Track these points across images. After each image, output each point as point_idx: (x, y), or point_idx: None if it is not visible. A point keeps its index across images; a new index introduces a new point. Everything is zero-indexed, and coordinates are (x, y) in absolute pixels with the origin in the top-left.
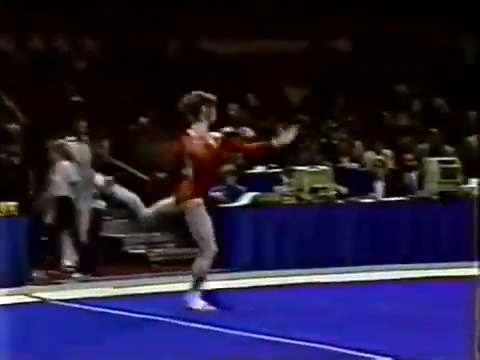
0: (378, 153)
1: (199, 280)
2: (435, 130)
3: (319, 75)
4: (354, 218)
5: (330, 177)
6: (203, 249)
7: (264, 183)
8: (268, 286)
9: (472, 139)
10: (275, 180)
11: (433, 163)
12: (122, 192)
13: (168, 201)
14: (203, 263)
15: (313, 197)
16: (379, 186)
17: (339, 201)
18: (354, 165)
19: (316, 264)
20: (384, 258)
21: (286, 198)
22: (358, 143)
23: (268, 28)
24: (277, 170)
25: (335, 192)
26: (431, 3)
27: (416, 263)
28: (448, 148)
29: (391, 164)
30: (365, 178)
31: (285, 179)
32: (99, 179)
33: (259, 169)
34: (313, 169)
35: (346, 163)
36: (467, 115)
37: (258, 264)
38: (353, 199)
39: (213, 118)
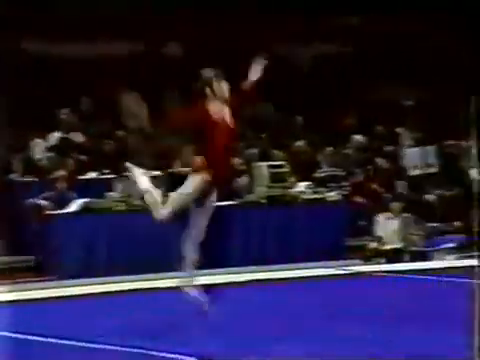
0: None
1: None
2: (263, 135)
3: (151, 79)
4: (183, 222)
5: (161, 182)
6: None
7: (96, 189)
8: (100, 293)
9: (300, 143)
10: (107, 186)
11: (262, 167)
12: (146, 186)
13: (179, 192)
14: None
15: (144, 203)
16: None
17: None
18: (186, 170)
19: (148, 269)
20: (212, 261)
21: (117, 204)
22: (188, 148)
23: (103, 31)
24: (109, 176)
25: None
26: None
27: (245, 266)
28: (277, 153)
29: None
30: None
31: (117, 185)
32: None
33: (91, 175)
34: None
35: (178, 168)
36: (294, 120)
37: (88, 271)
38: None
39: (226, 94)
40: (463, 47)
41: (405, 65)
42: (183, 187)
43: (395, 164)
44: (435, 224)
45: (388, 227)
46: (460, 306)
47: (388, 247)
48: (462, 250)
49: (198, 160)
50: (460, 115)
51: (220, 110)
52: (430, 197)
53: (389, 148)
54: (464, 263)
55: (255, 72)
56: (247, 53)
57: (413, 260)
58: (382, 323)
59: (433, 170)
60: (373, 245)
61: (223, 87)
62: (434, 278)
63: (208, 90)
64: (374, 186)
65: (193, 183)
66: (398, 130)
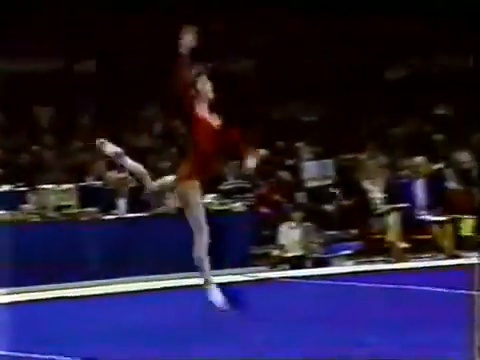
0: (121, 172)
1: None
2: (174, 150)
3: (65, 95)
4: (99, 234)
5: (74, 195)
6: (195, 231)
7: (10, 202)
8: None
9: None
10: (21, 199)
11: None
12: (130, 163)
13: (172, 177)
14: (200, 245)
15: (58, 215)
16: (122, 203)
17: (83, 218)
18: (98, 183)
19: (63, 280)
20: (129, 271)
21: (31, 216)
22: (101, 162)
23: (18, 47)
24: (23, 189)
25: (79, 210)
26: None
27: (160, 274)
28: None
29: (134, 182)
30: (108, 195)
31: (31, 198)
32: (110, 149)
33: (4, 188)
34: (58, 188)
35: (90, 182)
36: None
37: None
38: (97, 216)
39: (210, 94)
40: (358, 65)
41: (303, 82)
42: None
43: (296, 176)
44: (333, 232)
45: (290, 236)
46: (359, 308)
47: (291, 254)
48: (358, 256)
49: (184, 169)
50: (356, 131)
51: (206, 112)
52: (328, 207)
53: (290, 162)
54: (361, 268)
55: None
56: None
57: (314, 266)
58: (289, 325)
59: (330, 182)
60: (277, 253)
61: (207, 86)
62: (334, 282)
63: (192, 91)
64: (277, 197)
65: (191, 195)
66: (298, 145)
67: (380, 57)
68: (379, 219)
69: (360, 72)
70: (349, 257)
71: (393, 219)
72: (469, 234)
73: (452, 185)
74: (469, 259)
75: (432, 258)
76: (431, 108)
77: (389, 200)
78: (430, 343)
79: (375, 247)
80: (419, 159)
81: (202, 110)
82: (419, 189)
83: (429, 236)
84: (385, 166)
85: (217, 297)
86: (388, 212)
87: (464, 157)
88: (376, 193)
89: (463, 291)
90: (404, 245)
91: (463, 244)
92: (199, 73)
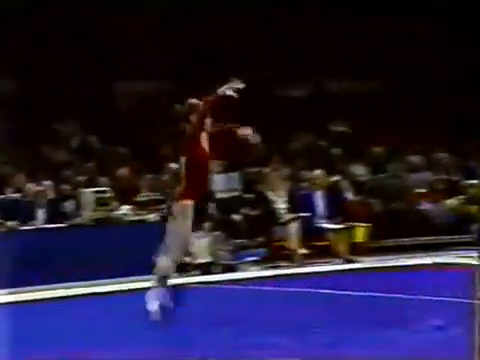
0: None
1: (163, 278)
2: (90, 164)
3: None
4: (17, 244)
5: None
6: (170, 249)
7: None
8: None
9: (123, 171)
10: None
11: (88, 193)
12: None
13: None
14: (169, 263)
15: None
16: (40, 214)
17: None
18: (16, 195)
19: None
20: (47, 279)
21: None
22: (20, 175)
23: None
24: None
25: None
26: None
27: (74, 282)
28: (102, 179)
29: (51, 194)
30: (27, 207)
31: None
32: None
33: None
34: None
35: (9, 194)
36: (118, 150)
37: None
38: (14, 227)
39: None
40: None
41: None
42: (177, 220)
43: None
44: (240, 240)
45: (200, 244)
46: (263, 311)
47: (201, 261)
48: (264, 262)
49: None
50: (261, 145)
51: (204, 140)
52: (236, 217)
53: None
54: (266, 273)
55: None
56: None
57: (223, 272)
58: (198, 327)
59: (237, 193)
60: (187, 260)
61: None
62: (241, 287)
63: (192, 117)
64: None
65: (182, 211)
66: None
67: (285, 75)
68: (282, 228)
69: (264, 89)
70: (255, 263)
71: (294, 227)
72: (362, 241)
73: (348, 196)
74: (363, 263)
75: (329, 263)
76: (329, 124)
77: (291, 210)
78: (330, 342)
79: (278, 253)
80: (318, 172)
81: (203, 139)
82: (318, 200)
83: (326, 243)
84: (287, 178)
85: (154, 304)
86: (290, 221)
87: (359, 170)
88: (279, 204)
89: (360, 293)
90: (304, 251)
91: (357, 250)
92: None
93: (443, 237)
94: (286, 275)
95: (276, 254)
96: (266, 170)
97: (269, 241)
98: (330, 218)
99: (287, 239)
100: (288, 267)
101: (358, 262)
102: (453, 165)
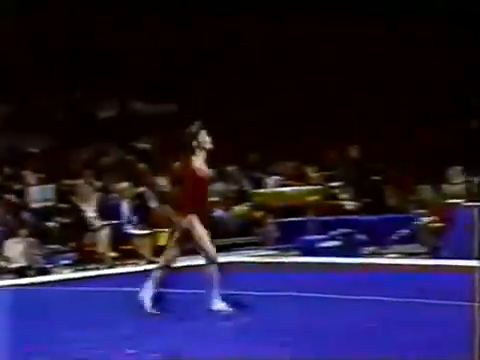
0: None
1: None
2: None
3: None
4: None
5: None
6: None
7: None
8: None
9: None
10: None
11: None
12: None
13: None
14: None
15: None
16: None
17: None
18: None
19: None
20: None
21: None
22: None
23: None
24: None
25: None
26: None
27: None
28: None
29: None
30: None
31: None
32: None
33: None
34: None
35: None
36: None
37: None
38: None
39: (209, 144)
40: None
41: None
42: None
43: (22, 199)
44: (54, 246)
45: (16, 249)
46: (75, 310)
47: (16, 265)
48: (76, 265)
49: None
50: (73, 160)
51: (202, 163)
52: (50, 224)
53: (18, 186)
54: (78, 275)
55: None
56: None
57: (37, 275)
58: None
59: (52, 203)
60: (2, 264)
61: (206, 138)
62: (55, 288)
63: (195, 142)
64: (4, 216)
65: (194, 225)
66: (24, 172)
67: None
68: (93, 234)
69: (74, 108)
70: (68, 266)
71: (104, 233)
72: (164, 244)
73: (152, 204)
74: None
75: (135, 264)
76: (135, 141)
77: (101, 218)
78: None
79: (90, 257)
80: (125, 184)
81: (199, 160)
82: (125, 208)
83: (133, 247)
84: (98, 190)
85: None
86: (100, 228)
87: (162, 182)
88: (90, 212)
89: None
90: (113, 254)
91: (160, 252)
92: (200, 127)
93: (234, 239)
94: (97, 276)
95: (87, 258)
96: (79, 182)
97: (81, 246)
98: (136, 225)
99: (97, 244)
100: (98, 269)
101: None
102: (242, 176)
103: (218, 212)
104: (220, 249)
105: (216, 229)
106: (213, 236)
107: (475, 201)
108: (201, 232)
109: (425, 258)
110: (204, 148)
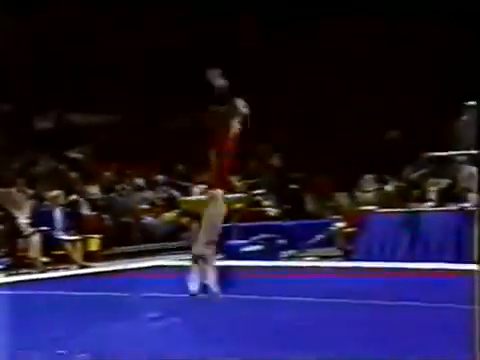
0: None
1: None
2: None
3: None
4: None
5: None
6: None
7: None
8: None
9: None
10: None
11: None
12: None
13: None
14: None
15: None
16: None
17: None
18: None
19: None
20: None
21: None
22: None
23: None
24: None
25: None
26: None
27: None
28: None
29: None
30: None
31: None
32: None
33: None
34: None
35: None
36: None
37: None
38: None
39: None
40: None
41: None
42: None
43: None
44: None
45: None
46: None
47: None
48: (8, 270)
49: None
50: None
51: (238, 126)
52: None
53: None
54: (11, 279)
55: None
56: None
57: None
58: None
59: None
60: None
61: (241, 104)
62: None
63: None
64: None
65: (216, 202)
66: None
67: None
68: (25, 240)
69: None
70: (1, 271)
71: (36, 239)
72: (95, 249)
73: (84, 212)
74: (95, 268)
75: (67, 269)
76: (68, 151)
77: (33, 224)
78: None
79: (22, 262)
80: (57, 192)
81: (235, 125)
82: (57, 215)
83: (64, 252)
84: (31, 197)
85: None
86: (32, 234)
87: (93, 190)
88: (23, 219)
89: (94, 293)
90: (45, 259)
91: (91, 257)
92: (233, 97)
93: (163, 243)
94: (29, 281)
95: (20, 263)
96: (12, 190)
97: (13, 252)
98: (68, 231)
99: (29, 249)
100: (30, 273)
101: (91, 267)
102: (170, 185)
103: (147, 218)
104: (151, 253)
105: (146, 235)
106: (143, 242)
107: (386, 208)
108: (220, 211)
109: (340, 260)
110: (240, 114)
